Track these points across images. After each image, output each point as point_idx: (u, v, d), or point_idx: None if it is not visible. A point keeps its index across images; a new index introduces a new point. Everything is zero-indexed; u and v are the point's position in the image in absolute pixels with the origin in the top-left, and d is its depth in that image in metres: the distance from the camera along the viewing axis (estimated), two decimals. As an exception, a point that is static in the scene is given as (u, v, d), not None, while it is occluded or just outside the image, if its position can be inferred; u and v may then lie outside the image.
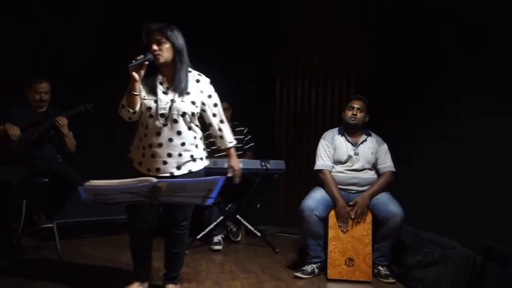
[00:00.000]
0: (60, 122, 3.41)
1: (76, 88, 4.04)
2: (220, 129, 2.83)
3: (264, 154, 4.30)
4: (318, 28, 4.89)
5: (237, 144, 4.24)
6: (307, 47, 4.95)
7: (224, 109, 4.29)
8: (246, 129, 4.53)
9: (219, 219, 4.06)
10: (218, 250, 3.96)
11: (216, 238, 4.06)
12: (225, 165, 3.92)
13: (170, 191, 1.90)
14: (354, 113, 3.44)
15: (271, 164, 4.02)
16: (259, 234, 4.11)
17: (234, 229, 4.41)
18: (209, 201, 2.05)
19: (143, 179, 1.91)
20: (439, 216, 3.26)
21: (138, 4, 4.46)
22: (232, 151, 2.92)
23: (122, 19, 4.32)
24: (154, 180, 1.89)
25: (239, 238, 4.39)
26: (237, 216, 4.14)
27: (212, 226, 4.03)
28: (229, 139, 2.87)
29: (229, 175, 2.92)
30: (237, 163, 2.94)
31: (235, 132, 4.42)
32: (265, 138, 4.82)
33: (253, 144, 4.54)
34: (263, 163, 4.00)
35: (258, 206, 4.47)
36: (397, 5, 4.12)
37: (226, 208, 4.10)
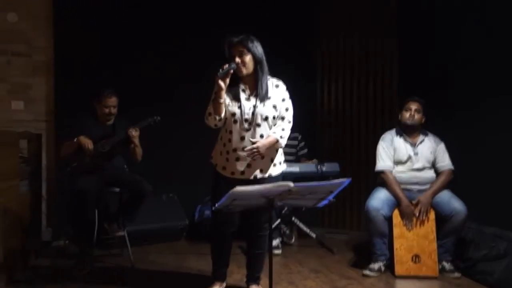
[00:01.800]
0: (134, 133, 3.55)
1: (140, 102, 4.20)
2: (279, 125, 2.84)
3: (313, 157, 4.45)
4: (358, 27, 4.99)
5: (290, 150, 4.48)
6: (346, 46, 5.07)
7: None
8: (300, 136, 4.59)
9: (277, 222, 4.19)
10: (278, 255, 4.07)
11: (275, 242, 4.18)
12: (297, 169, 4.11)
13: (298, 195, 2.04)
14: (412, 114, 3.57)
15: (326, 167, 4.15)
16: (314, 236, 4.24)
17: (288, 232, 4.53)
18: (323, 203, 2.19)
19: (281, 184, 2.05)
20: (500, 210, 3.40)
21: (202, 16, 4.64)
22: (273, 139, 2.79)
23: (186, 31, 4.50)
24: (291, 184, 2.02)
25: (292, 241, 4.52)
26: (293, 218, 4.28)
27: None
28: (278, 132, 2.80)
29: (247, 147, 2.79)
30: (263, 146, 2.75)
31: (288, 138, 4.59)
32: (311, 142, 4.94)
33: (306, 150, 4.61)
34: (319, 166, 4.14)
35: (303, 208, 4.60)
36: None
37: (283, 211, 4.24)
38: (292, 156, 4.56)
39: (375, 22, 4.93)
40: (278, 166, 2.90)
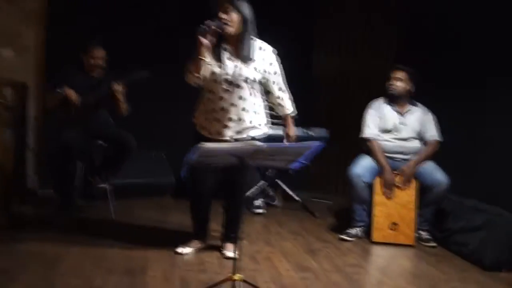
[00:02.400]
0: (117, 88, 3.51)
1: (134, 54, 4.13)
2: (279, 97, 2.94)
3: (304, 123, 4.40)
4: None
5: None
6: (347, 14, 4.98)
7: None
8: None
9: (260, 183, 4.21)
10: (260, 213, 4.12)
11: (257, 202, 4.22)
12: (269, 132, 4.10)
13: (267, 155, 2.03)
14: (391, 83, 3.53)
15: (314, 132, 4.14)
16: (297, 199, 4.27)
17: (271, 193, 4.57)
18: (294, 165, 2.18)
19: (249, 143, 2.04)
20: (481, 184, 3.41)
21: None
22: (289, 119, 3.03)
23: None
24: (259, 144, 2.01)
25: (275, 202, 4.56)
26: (277, 180, 4.30)
27: (253, 189, 4.18)
28: (288, 106, 2.98)
29: (285, 142, 3.04)
30: (293, 131, 3.08)
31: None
32: (303, 106, 4.89)
33: (295, 114, 4.59)
34: (305, 131, 4.12)
35: (290, 172, 4.61)
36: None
37: (267, 173, 4.25)
38: (280, 119, 4.53)
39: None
40: (258, 127, 2.87)
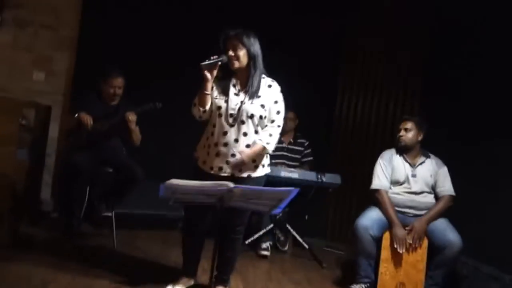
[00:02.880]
0: (130, 118, 3.55)
1: (148, 85, 4.20)
2: (267, 130, 2.74)
3: (321, 168, 4.29)
4: (382, 44, 4.86)
5: (296, 156, 4.37)
6: (371, 63, 4.93)
7: (290, 119, 4.39)
8: (307, 143, 4.52)
9: (269, 227, 4.08)
10: (265, 256, 3.99)
11: (265, 244, 4.09)
12: (282, 174, 4.02)
13: (243, 197, 1.94)
14: (401, 134, 3.41)
15: (327, 178, 4.00)
16: (306, 246, 4.10)
17: (282, 238, 4.42)
18: (277, 211, 2.08)
19: (221, 183, 1.97)
20: (501, 250, 3.15)
21: (217, 8, 4.60)
22: (259, 147, 2.68)
23: (199, 22, 4.46)
24: (232, 185, 1.94)
25: (286, 248, 4.40)
26: (287, 225, 4.15)
27: (261, 232, 4.06)
28: (267, 140, 2.70)
29: (235, 158, 2.69)
30: (248, 156, 2.68)
31: (295, 143, 4.49)
32: (323, 152, 4.81)
33: (311, 158, 4.51)
34: (319, 176, 3.99)
35: (306, 217, 4.47)
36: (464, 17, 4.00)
37: (277, 217, 4.12)
38: (296, 162, 4.45)
39: (403, 45, 4.78)
40: (261, 168, 2.79)
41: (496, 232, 3.25)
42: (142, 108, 3.60)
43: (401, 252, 3.22)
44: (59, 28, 4.65)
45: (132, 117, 3.57)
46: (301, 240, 4.12)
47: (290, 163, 4.39)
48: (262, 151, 2.72)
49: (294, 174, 3.99)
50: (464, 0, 4.05)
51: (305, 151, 4.52)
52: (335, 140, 5.05)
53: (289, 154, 4.47)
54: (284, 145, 4.47)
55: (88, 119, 3.53)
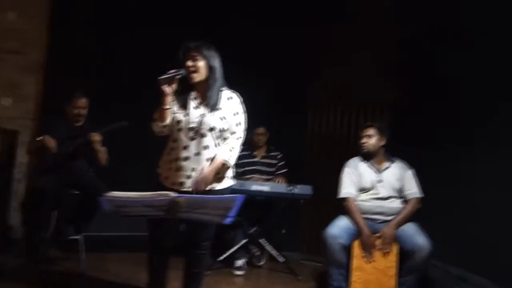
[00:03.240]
0: (95, 138, 3.52)
1: (113, 104, 4.17)
2: (228, 143, 2.72)
3: (295, 180, 4.27)
4: (352, 57, 4.91)
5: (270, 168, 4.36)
6: (341, 76, 4.97)
7: (261, 134, 4.40)
8: (281, 155, 4.51)
9: (242, 242, 4.04)
10: (239, 275, 3.92)
11: (239, 262, 4.03)
12: (252, 188, 4.00)
13: (189, 207, 1.91)
14: (363, 141, 3.43)
15: (298, 189, 3.99)
16: (282, 260, 4.05)
17: (258, 253, 4.37)
18: (228, 220, 2.05)
19: (162, 193, 1.94)
20: (470, 251, 3.14)
21: (181, 22, 4.60)
22: (219, 163, 2.66)
23: (161, 36, 4.46)
24: (173, 194, 1.92)
25: (261, 263, 4.35)
26: (260, 240, 4.11)
27: (235, 248, 4.01)
28: (226, 154, 2.68)
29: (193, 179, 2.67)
30: (209, 172, 2.64)
31: (268, 157, 4.48)
32: (296, 165, 4.80)
33: (286, 170, 4.51)
34: (290, 187, 3.98)
35: (283, 231, 4.44)
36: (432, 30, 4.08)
37: (250, 231, 4.08)
38: (270, 175, 4.43)
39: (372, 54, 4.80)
40: (225, 180, 2.76)
41: (463, 234, 3.25)
42: (107, 128, 3.58)
43: (369, 260, 3.19)
44: (26, 53, 4.64)
45: (97, 137, 3.54)
46: (275, 254, 4.08)
47: (264, 176, 4.37)
48: (223, 166, 2.70)
49: (265, 187, 3.97)
50: (429, 16, 4.11)
51: (279, 164, 4.51)
52: (309, 152, 5.06)
53: (263, 168, 4.46)
54: (257, 159, 4.46)
55: (51, 142, 3.49)
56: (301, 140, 5.07)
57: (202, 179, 2.63)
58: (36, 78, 4.61)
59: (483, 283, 2.79)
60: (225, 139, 2.76)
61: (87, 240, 3.75)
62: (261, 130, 4.44)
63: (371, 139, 3.41)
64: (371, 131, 3.43)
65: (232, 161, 2.72)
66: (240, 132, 2.78)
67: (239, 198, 1.94)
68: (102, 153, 3.64)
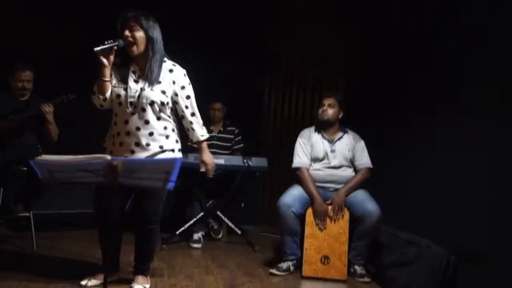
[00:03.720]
0: (46, 109, 3.41)
1: (58, 78, 4.01)
2: (191, 122, 2.77)
3: (252, 155, 4.26)
4: (308, 34, 4.93)
5: (223, 142, 4.35)
6: (296, 52, 4.99)
7: (217, 109, 4.37)
8: (237, 130, 4.50)
9: (200, 215, 4.03)
10: (197, 248, 3.92)
11: (196, 235, 4.03)
12: (222, 162, 3.96)
13: (126, 171, 1.87)
14: (325, 109, 3.45)
15: (253, 162, 3.99)
16: (239, 232, 4.07)
17: (216, 227, 4.38)
18: (170, 185, 2.02)
19: (97, 156, 1.89)
20: (417, 216, 3.24)
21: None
22: (204, 145, 2.85)
23: (107, 10, 4.30)
24: (109, 157, 1.87)
25: (220, 236, 4.36)
26: (218, 213, 4.11)
27: (192, 222, 3.99)
28: (200, 132, 2.80)
29: (202, 170, 2.88)
30: (209, 157, 2.88)
31: (225, 131, 4.45)
32: (253, 139, 4.80)
33: (242, 145, 4.50)
34: (245, 160, 3.97)
35: (242, 205, 4.45)
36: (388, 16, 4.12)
37: (207, 205, 4.07)
38: (227, 150, 4.41)
39: (325, 36, 4.87)
40: (170, 153, 2.70)
41: (412, 199, 3.34)
42: (56, 99, 3.46)
43: (322, 227, 3.24)
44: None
45: (48, 108, 3.42)
46: (233, 226, 4.09)
47: (221, 151, 4.35)
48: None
49: (220, 160, 3.94)
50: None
51: (236, 139, 4.50)
52: (265, 126, 5.08)
53: (220, 143, 4.43)
54: (214, 134, 4.43)
55: (-5, 117, 3.35)
56: (257, 115, 5.07)
57: (210, 167, 2.84)
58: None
59: (429, 244, 2.87)
60: (183, 115, 2.75)
61: (38, 219, 3.65)
62: (218, 105, 4.40)
63: (332, 109, 3.43)
64: (332, 101, 3.45)
65: (206, 134, 2.85)
66: (193, 105, 2.77)
67: (177, 160, 1.92)
68: (54, 126, 3.53)
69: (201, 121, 2.82)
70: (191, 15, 4.61)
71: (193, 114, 2.77)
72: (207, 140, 2.89)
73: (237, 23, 4.77)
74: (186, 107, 2.74)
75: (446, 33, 3.25)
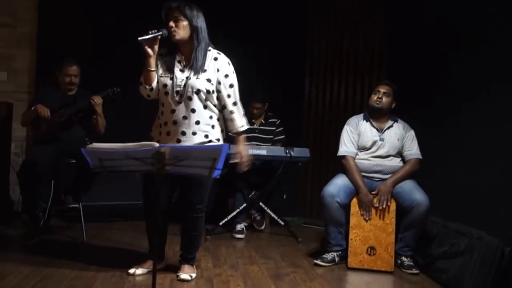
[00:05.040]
0: (96, 101, 3.50)
1: (102, 71, 4.12)
2: (232, 112, 2.75)
3: (294, 145, 4.22)
4: (347, 23, 4.85)
5: (267, 135, 4.34)
6: (337, 41, 4.92)
7: (257, 108, 4.35)
8: (279, 121, 4.46)
9: (242, 206, 4.04)
10: (240, 239, 3.94)
11: (239, 226, 4.05)
12: (250, 152, 3.90)
13: (174, 158, 1.89)
14: (380, 96, 3.34)
15: (295, 152, 3.94)
16: (282, 223, 4.05)
17: (258, 218, 4.38)
18: (216, 173, 2.02)
19: (145, 144, 1.91)
20: (468, 206, 3.12)
21: None
22: (242, 137, 2.82)
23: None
24: (157, 144, 1.89)
25: (263, 227, 4.36)
26: (261, 204, 4.10)
27: (234, 213, 4.01)
28: (241, 122, 2.77)
29: (235, 161, 2.84)
30: (245, 150, 2.84)
31: (267, 124, 4.44)
32: (295, 129, 4.78)
33: (283, 136, 4.46)
34: (287, 150, 3.94)
35: (284, 197, 4.43)
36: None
37: (250, 196, 4.08)
38: (268, 142, 4.39)
39: (364, 23, 4.81)
40: (216, 143, 2.72)
41: (461, 189, 3.22)
42: (102, 92, 3.55)
43: (367, 218, 3.18)
44: (17, 26, 4.59)
45: (98, 100, 3.52)
46: (276, 217, 4.07)
47: (263, 144, 4.33)
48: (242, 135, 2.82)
49: (262, 151, 3.93)
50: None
51: (277, 130, 4.47)
52: (307, 116, 5.03)
53: (261, 135, 4.42)
54: (255, 126, 4.42)
55: (45, 111, 3.46)
56: (298, 105, 5.03)
57: (244, 159, 2.78)
58: (29, 52, 4.58)
59: (481, 235, 2.76)
60: (223, 103, 2.74)
61: (88, 210, 3.78)
62: (258, 105, 4.38)
63: (387, 97, 3.34)
64: (388, 89, 3.36)
65: (246, 125, 2.83)
66: (236, 95, 2.76)
67: (224, 147, 1.92)
68: (102, 118, 3.62)
69: (242, 111, 2.80)
70: (230, 5, 4.61)
71: (235, 104, 2.76)
72: (247, 132, 2.87)
73: (277, 12, 4.75)
74: (229, 96, 2.73)
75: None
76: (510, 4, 2.92)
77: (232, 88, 2.74)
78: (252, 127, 4.37)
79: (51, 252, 3.16)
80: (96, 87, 3.69)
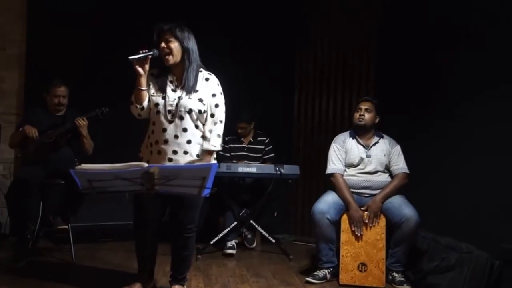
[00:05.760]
0: (80, 122, 3.49)
1: (91, 91, 4.12)
2: (210, 130, 2.70)
3: (284, 162, 4.23)
4: (336, 39, 4.91)
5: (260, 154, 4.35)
6: (325, 57, 4.98)
7: (243, 128, 4.34)
8: (268, 140, 4.47)
9: (233, 225, 4.02)
10: (231, 254, 3.92)
11: (230, 243, 4.03)
12: (239, 170, 3.98)
13: (163, 178, 1.89)
14: (362, 114, 3.39)
15: (285, 169, 3.96)
16: (273, 241, 4.04)
17: (249, 236, 4.37)
18: (205, 192, 2.02)
19: (134, 164, 1.92)
20: (456, 220, 3.15)
21: (159, 5, 4.55)
22: (208, 155, 2.70)
23: (137, 20, 4.40)
24: (146, 165, 1.90)
25: (254, 245, 4.34)
26: (251, 221, 4.10)
27: (225, 231, 3.99)
28: (214, 142, 2.70)
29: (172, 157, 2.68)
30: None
31: (255, 142, 4.45)
32: (284, 147, 4.79)
33: (273, 155, 4.47)
34: (277, 168, 3.96)
35: (275, 214, 4.42)
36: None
37: (240, 214, 4.07)
38: (257, 160, 4.40)
39: (353, 36, 4.84)
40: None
41: (449, 203, 3.25)
42: (88, 113, 3.55)
43: (358, 234, 3.19)
44: (7, 48, 4.59)
45: (82, 122, 3.51)
46: (267, 235, 4.07)
47: (252, 162, 4.34)
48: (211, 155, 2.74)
49: (252, 168, 3.95)
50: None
51: (266, 148, 4.48)
52: (296, 134, 5.06)
53: (250, 154, 4.42)
54: (244, 145, 4.43)
55: (33, 131, 3.46)
56: (288, 123, 5.06)
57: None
58: (18, 73, 4.57)
59: (471, 249, 2.78)
60: (206, 121, 2.72)
61: (77, 231, 3.74)
62: (243, 124, 4.37)
63: (369, 113, 3.38)
64: (369, 105, 3.40)
65: (219, 145, 2.73)
66: (220, 115, 2.73)
67: (213, 166, 1.92)
68: (88, 139, 3.61)
69: (221, 132, 2.73)
70: (217, 26, 4.66)
71: (215, 123, 2.71)
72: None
73: (264, 30, 4.81)
74: (212, 115, 2.72)
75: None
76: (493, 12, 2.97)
77: (217, 108, 2.73)
78: (240, 145, 4.40)
79: (39, 275, 3.12)
80: (85, 107, 3.70)
